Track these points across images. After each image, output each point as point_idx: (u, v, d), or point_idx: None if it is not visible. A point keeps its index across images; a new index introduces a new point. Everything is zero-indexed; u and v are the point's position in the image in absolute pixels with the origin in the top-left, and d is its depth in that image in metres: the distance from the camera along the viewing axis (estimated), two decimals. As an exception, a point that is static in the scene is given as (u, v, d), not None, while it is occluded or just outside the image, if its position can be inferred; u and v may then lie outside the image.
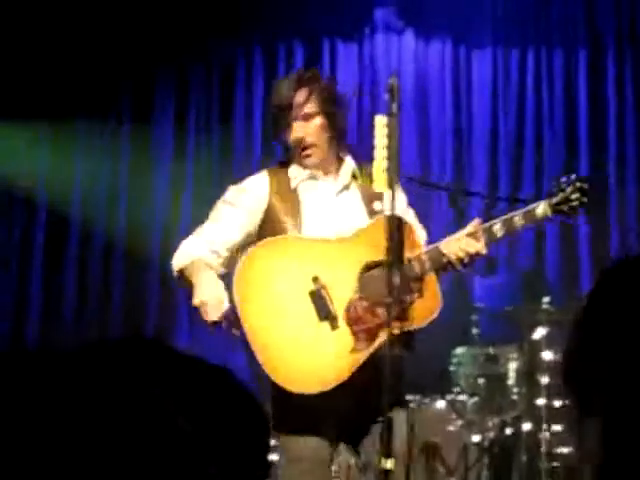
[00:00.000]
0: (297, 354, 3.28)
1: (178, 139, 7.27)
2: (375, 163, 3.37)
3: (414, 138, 7.08)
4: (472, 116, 7.20)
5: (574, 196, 3.49)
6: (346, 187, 3.55)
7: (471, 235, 3.39)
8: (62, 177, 7.11)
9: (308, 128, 3.50)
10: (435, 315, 3.27)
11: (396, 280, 3.13)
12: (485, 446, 5.50)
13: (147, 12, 7.16)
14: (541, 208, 3.47)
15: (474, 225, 3.43)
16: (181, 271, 3.49)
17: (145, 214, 7.08)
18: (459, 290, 6.32)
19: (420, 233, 3.55)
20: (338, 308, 3.31)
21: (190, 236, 3.60)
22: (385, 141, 3.29)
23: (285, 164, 3.61)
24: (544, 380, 5.44)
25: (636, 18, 7.10)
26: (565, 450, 5.43)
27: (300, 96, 3.50)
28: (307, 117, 3.50)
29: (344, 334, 3.29)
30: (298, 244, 3.41)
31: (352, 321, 3.30)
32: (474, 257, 3.37)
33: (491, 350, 5.72)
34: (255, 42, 7.36)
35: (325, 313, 3.30)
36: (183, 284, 3.48)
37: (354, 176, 3.58)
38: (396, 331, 3.16)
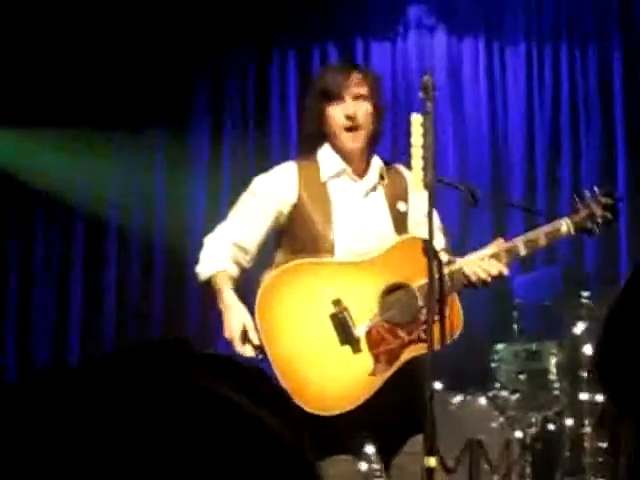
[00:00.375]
0: (318, 378, 3.28)
1: (214, 146, 7.27)
2: (413, 162, 3.39)
3: (450, 136, 7.07)
4: (507, 111, 7.18)
5: (599, 213, 3.45)
6: (373, 188, 3.54)
7: (494, 256, 3.38)
8: (99, 186, 7.15)
9: (359, 108, 3.46)
10: (456, 336, 3.27)
11: (422, 300, 3.22)
12: (528, 442, 5.49)
13: (183, 21, 7.19)
14: (564, 226, 3.44)
15: (497, 245, 3.43)
16: (207, 282, 3.52)
17: (183, 222, 7.09)
18: (498, 286, 6.30)
19: (439, 238, 3.53)
20: (359, 331, 3.31)
21: (214, 233, 3.58)
22: (421, 140, 3.31)
23: (311, 154, 3.57)
24: (586, 375, 5.42)
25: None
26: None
27: (355, 77, 3.49)
28: (360, 98, 3.47)
29: (365, 358, 3.30)
30: (317, 268, 3.39)
31: (373, 344, 3.30)
32: (495, 278, 3.37)
33: (532, 346, 5.70)
34: (289, 45, 7.37)
35: (347, 336, 3.30)
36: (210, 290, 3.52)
37: (381, 176, 3.57)
38: (414, 353, 3.28)
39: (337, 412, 3.24)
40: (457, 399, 5.54)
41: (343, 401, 3.26)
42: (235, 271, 3.50)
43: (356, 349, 3.30)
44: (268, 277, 3.38)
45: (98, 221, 7.14)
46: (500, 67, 7.22)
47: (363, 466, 4.89)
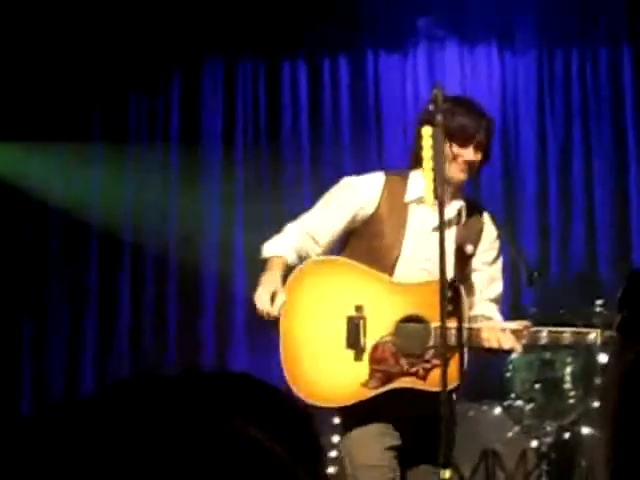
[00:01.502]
0: (314, 368, 3.44)
1: (226, 156, 7.29)
2: (424, 174, 3.41)
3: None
4: (519, 119, 7.18)
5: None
6: (448, 223, 3.55)
7: (515, 332, 3.43)
8: (113, 202, 7.17)
9: (477, 158, 3.60)
10: (452, 387, 3.28)
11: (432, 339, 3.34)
12: (544, 451, 5.48)
13: (193, 34, 7.22)
14: (593, 336, 3.47)
15: (522, 325, 3.50)
16: (264, 260, 3.61)
17: (197, 233, 7.12)
18: (511, 294, 6.30)
19: (489, 289, 3.63)
20: (368, 342, 3.42)
21: (295, 222, 3.69)
22: (431, 152, 3.32)
23: (404, 173, 3.66)
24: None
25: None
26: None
27: (486, 126, 3.61)
28: (479, 147, 3.59)
29: (362, 367, 3.42)
30: (352, 269, 3.52)
31: (375, 360, 3.41)
32: (504, 352, 3.43)
33: (547, 355, 5.70)
34: (299, 57, 7.40)
35: (354, 342, 3.43)
36: None
37: (459, 214, 3.63)
38: (410, 385, 3.39)
39: (321, 404, 3.42)
40: (472, 409, 5.55)
41: (327, 398, 3.43)
42: (294, 260, 3.59)
43: (358, 357, 3.42)
44: (309, 260, 3.54)
45: (112, 236, 7.15)
46: (512, 76, 7.23)
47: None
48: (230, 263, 7.07)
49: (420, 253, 3.51)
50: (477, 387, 5.59)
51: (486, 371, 5.67)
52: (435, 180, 3.26)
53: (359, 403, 3.40)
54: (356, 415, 3.44)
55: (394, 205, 3.57)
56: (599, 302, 5.54)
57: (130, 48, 7.18)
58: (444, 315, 3.18)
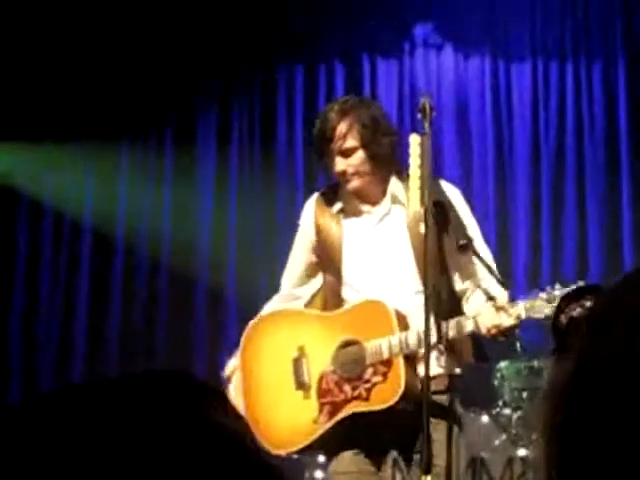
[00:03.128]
0: (269, 417, 3.52)
1: (221, 159, 7.31)
2: (410, 181, 3.42)
3: (456, 153, 7.09)
4: (513, 129, 7.20)
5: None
6: (386, 214, 3.56)
7: (501, 309, 3.32)
8: (107, 199, 7.18)
9: (350, 161, 3.50)
10: (392, 402, 3.31)
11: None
12: (531, 460, 5.48)
13: (190, 38, 7.24)
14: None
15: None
16: None
17: (190, 233, 7.14)
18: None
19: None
20: (313, 378, 3.49)
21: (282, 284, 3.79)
22: (419, 160, 3.33)
23: (337, 185, 3.66)
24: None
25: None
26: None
27: (342, 129, 3.49)
28: (348, 152, 3.50)
29: (311, 405, 3.47)
30: (292, 315, 3.64)
31: (321, 393, 3.45)
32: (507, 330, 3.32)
33: (535, 363, 5.70)
34: (296, 61, 7.42)
35: (300, 382, 3.50)
36: None
37: (394, 199, 3.57)
38: (355, 409, 3.40)
39: (280, 451, 3.45)
40: (460, 417, 5.54)
41: (285, 443, 3.48)
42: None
43: (306, 395, 3.49)
44: (252, 322, 3.66)
45: (105, 235, 7.17)
46: (506, 85, 7.25)
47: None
48: (222, 266, 7.09)
49: (361, 253, 3.51)
50: (465, 395, 5.60)
51: (474, 379, 5.68)
52: (421, 188, 3.26)
53: (326, 438, 3.44)
54: (331, 449, 3.51)
55: (327, 218, 3.61)
56: (588, 311, 5.54)
57: (127, 48, 7.21)
58: (429, 317, 3.18)
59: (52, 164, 7.16)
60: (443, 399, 3.51)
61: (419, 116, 3.40)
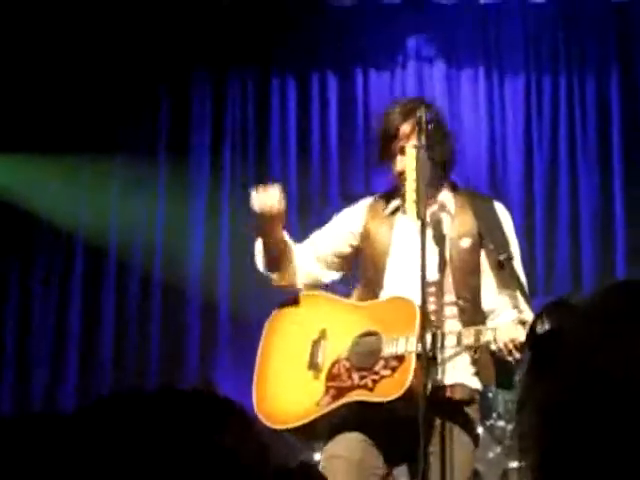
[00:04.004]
0: (277, 391, 3.56)
1: (214, 171, 7.29)
2: (407, 194, 3.42)
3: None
4: (506, 142, 7.21)
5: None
6: (433, 222, 3.53)
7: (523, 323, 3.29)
8: (99, 212, 7.17)
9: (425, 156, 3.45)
10: (393, 397, 3.30)
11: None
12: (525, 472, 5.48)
13: (182, 48, 7.24)
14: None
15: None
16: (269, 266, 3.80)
17: (183, 247, 7.12)
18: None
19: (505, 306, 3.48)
20: (327, 362, 3.51)
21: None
22: (414, 173, 3.33)
23: (391, 193, 3.68)
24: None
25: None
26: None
27: (405, 129, 3.52)
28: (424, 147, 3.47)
29: (319, 386, 3.49)
30: (321, 299, 3.68)
31: (330, 377, 3.48)
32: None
33: (529, 376, 5.70)
34: (288, 72, 7.42)
35: (313, 363, 3.53)
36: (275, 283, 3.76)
37: (442, 208, 3.58)
38: (356, 398, 3.40)
39: (277, 426, 3.47)
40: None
41: (284, 418, 3.50)
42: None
43: (316, 376, 3.51)
44: (283, 300, 3.72)
45: (98, 249, 7.15)
46: (499, 98, 7.26)
47: None
48: (214, 280, 7.07)
49: (410, 258, 3.46)
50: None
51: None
52: (417, 201, 3.25)
53: (324, 423, 3.45)
54: (332, 432, 3.48)
55: (378, 221, 3.63)
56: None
57: (119, 60, 7.20)
58: (424, 324, 3.21)
59: (45, 177, 7.14)
60: (469, 410, 3.49)
61: (416, 129, 3.40)
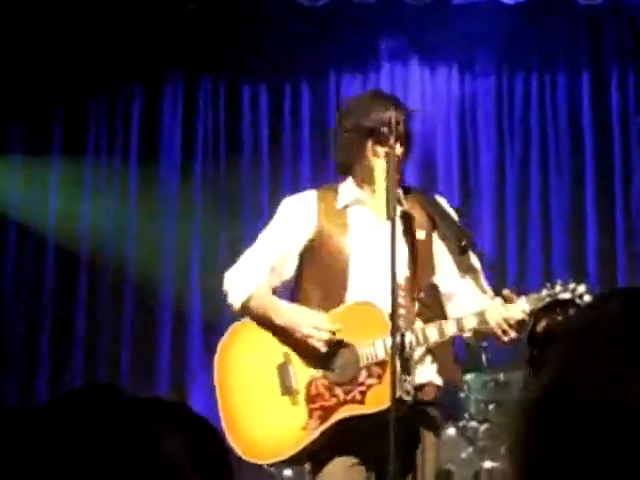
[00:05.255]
0: (254, 425, 3.35)
1: (185, 176, 7.25)
2: (376, 196, 3.42)
3: (420, 166, 7.10)
4: (478, 141, 7.23)
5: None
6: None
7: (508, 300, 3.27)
8: (70, 215, 7.12)
9: (398, 150, 3.43)
10: (385, 407, 3.11)
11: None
12: (497, 473, 5.50)
13: (152, 49, 7.22)
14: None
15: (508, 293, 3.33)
16: (244, 306, 3.45)
17: (155, 250, 7.09)
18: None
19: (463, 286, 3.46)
20: (300, 384, 3.34)
21: (237, 265, 3.55)
22: (384, 173, 3.32)
23: (332, 185, 3.60)
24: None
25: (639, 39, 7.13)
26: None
27: (399, 117, 3.43)
28: (401, 139, 3.44)
29: (300, 411, 3.32)
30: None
31: (310, 398, 3.31)
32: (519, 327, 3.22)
33: (501, 376, 5.73)
34: (260, 77, 7.38)
35: (287, 388, 3.35)
36: (250, 316, 3.47)
37: (398, 202, 3.44)
38: (349, 413, 3.26)
39: (266, 461, 3.34)
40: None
41: (272, 450, 3.32)
42: (273, 282, 3.50)
43: (294, 401, 3.33)
44: (230, 328, 3.48)
45: (69, 252, 7.11)
46: (471, 98, 7.28)
47: None
48: (186, 286, 7.04)
49: (368, 254, 3.41)
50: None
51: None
52: (387, 201, 3.21)
53: (316, 446, 3.29)
54: (319, 458, 3.33)
55: (331, 215, 3.49)
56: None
57: (91, 62, 7.17)
58: (395, 329, 3.08)
59: (17, 178, 7.11)
60: (434, 411, 3.45)
61: (385, 130, 3.37)
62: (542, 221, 7.02)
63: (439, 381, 3.44)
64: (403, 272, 3.37)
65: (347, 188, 3.55)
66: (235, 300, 3.46)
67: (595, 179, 7.02)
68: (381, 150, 3.42)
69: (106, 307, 7.13)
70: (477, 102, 7.27)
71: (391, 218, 3.17)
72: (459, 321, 3.29)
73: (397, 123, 3.35)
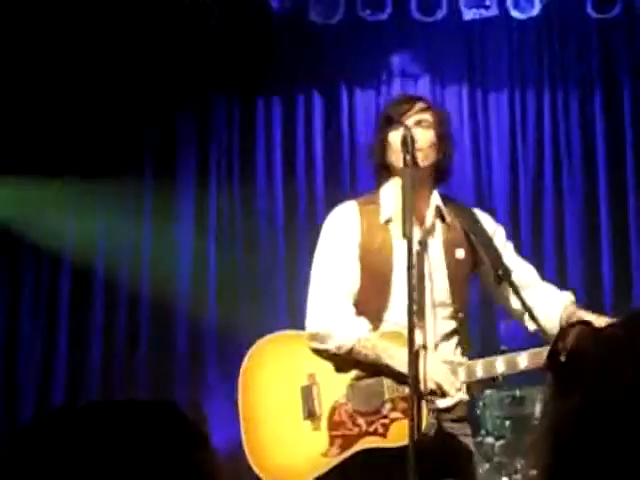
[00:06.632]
0: (274, 448, 3.27)
1: (200, 193, 7.27)
2: (395, 214, 3.37)
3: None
4: (491, 158, 7.23)
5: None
6: (429, 232, 3.39)
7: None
8: (86, 234, 7.14)
9: (423, 136, 3.34)
10: (407, 442, 2.96)
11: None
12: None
13: (167, 68, 7.24)
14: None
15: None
16: (349, 351, 3.26)
17: (170, 268, 7.10)
18: (484, 333, 6.32)
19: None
20: (324, 409, 3.26)
21: (320, 298, 3.32)
22: (401, 191, 3.27)
23: (372, 197, 3.45)
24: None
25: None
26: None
27: (418, 106, 3.39)
28: (421, 124, 3.36)
29: (321, 437, 3.24)
30: (302, 339, 3.33)
31: (333, 425, 3.23)
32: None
33: (517, 392, 5.71)
34: (273, 93, 7.41)
35: (310, 412, 3.27)
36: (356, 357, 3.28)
37: (441, 217, 3.43)
38: (369, 445, 3.17)
39: None
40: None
41: (292, 475, 3.24)
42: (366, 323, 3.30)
43: (315, 427, 3.25)
44: (255, 345, 3.38)
45: (85, 271, 7.12)
46: (483, 114, 7.29)
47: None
48: (203, 299, 7.05)
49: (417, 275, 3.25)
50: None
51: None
52: (404, 219, 3.15)
53: (333, 475, 3.21)
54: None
55: (373, 230, 3.36)
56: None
57: (106, 86, 7.19)
58: (411, 360, 2.96)
59: (33, 199, 7.12)
60: (467, 430, 3.35)
61: (401, 150, 3.32)
62: (556, 236, 7.02)
63: (466, 397, 3.36)
64: (441, 295, 3.32)
65: (388, 197, 3.41)
66: (338, 346, 3.27)
67: (609, 193, 7.01)
68: (393, 136, 3.32)
69: (122, 325, 7.14)
70: (489, 118, 7.27)
71: (407, 238, 3.05)
72: (488, 363, 3.18)
73: (412, 140, 3.28)
